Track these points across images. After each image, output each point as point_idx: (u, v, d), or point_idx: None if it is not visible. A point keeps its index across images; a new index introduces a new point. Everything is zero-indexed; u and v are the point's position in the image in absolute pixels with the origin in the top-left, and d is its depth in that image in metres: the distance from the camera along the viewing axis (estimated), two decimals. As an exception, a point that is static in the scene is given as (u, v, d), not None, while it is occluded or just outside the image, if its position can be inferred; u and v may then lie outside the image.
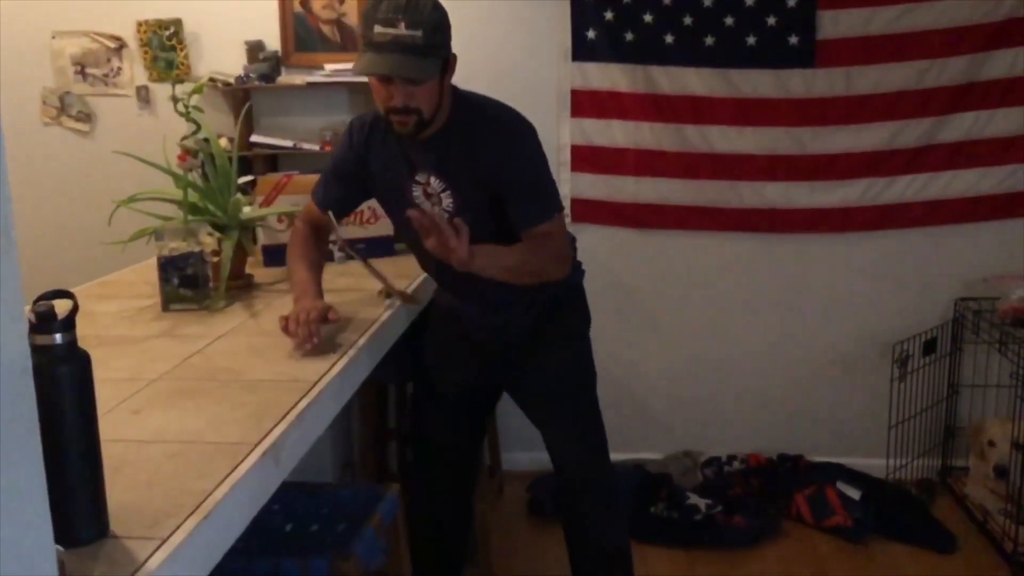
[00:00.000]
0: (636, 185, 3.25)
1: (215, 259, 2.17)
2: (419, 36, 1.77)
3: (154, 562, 1.03)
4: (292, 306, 1.89)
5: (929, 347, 3.17)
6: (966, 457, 3.16)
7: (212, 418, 1.47)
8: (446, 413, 2.26)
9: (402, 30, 1.76)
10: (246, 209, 2.37)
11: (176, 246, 2.09)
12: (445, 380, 2.25)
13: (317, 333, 1.78)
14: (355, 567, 1.53)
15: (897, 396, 3.19)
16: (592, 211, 3.28)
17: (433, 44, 1.80)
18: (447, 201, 1.95)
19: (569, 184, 3.24)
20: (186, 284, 2.09)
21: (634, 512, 2.98)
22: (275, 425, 1.43)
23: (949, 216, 3.16)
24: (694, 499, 3.02)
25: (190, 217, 2.20)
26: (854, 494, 3.01)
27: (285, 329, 1.81)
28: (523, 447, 3.22)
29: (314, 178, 2.71)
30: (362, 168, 2.04)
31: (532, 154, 1.95)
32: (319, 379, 1.64)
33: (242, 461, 1.30)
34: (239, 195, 2.29)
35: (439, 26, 1.82)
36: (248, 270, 2.45)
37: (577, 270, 2.19)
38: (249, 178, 2.63)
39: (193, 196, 2.25)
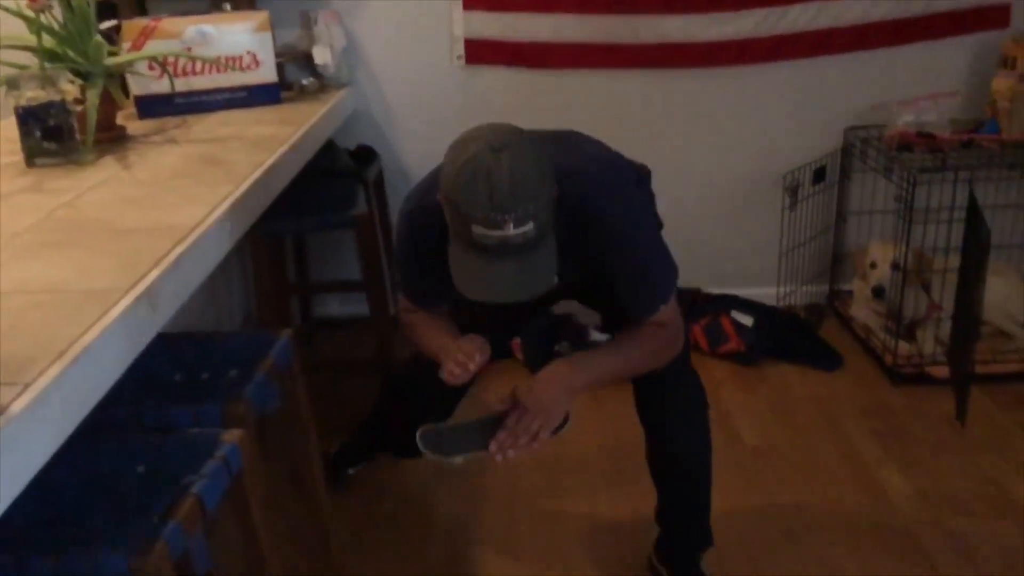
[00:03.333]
0: (531, 22, 3.15)
1: (79, 108, 2.03)
2: (531, 231, 1.43)
3: (17, 406, 0.99)
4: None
5: (819, 175, 3.25)
6: (852, 281, 3.31)
7: (81, 267, 1.41)
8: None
9: (510, 231, 1.41)
10: (111, 57, 2.22)
11: (34, 95, 1.94)
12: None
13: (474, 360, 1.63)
14: (247, 410, 1.52)
15: (788, 225, 3.28)
16: (487, 51, 3.19)
17: (547, 224, 1.46)
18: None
19: (462, 24, 3.14)
20: (49, 136, 1.96)
21: (539, 352, 3.06)
22: (149, 270, 1.38)
23: (840, 45, 3.17)
24: (595, 335, 3.11)
25: (47, 64, 2.05)
26: (747, 321, 3.14)
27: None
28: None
29: (185, 20, 2.57)
30: (441, 265, 1.65)
31: (636, 238, 1.70)
32: (196, 225, 1.58)
33: (113, 306, 1.26)
34: (100, 39, 2.13)
35: (549, 199, 1.47)
36: (121, 122, 2.33)
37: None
38: (113, 23, 2.45)
39: (49, 41, 2.09)
